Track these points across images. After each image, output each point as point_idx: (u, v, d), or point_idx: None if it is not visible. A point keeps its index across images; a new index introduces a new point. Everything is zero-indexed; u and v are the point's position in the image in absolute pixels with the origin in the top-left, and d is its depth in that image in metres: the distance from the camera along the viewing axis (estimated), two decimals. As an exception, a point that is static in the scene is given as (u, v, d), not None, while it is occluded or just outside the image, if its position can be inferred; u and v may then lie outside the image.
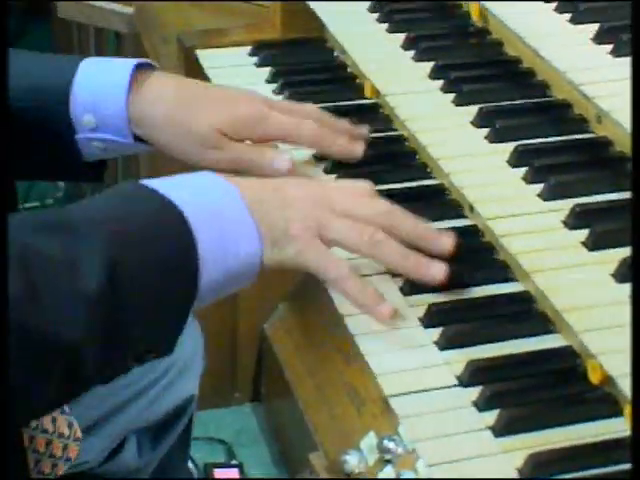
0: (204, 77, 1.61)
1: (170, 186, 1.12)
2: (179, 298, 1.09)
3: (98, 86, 1.35)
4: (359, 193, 1.21)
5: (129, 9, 2.31)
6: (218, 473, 2.44)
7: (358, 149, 1.35)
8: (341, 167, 1.38)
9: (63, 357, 1.01)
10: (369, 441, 1.08)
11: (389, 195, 1.30)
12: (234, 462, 2.51)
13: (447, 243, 1.19)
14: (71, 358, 1.01)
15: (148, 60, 1.40)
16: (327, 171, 1.39)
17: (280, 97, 1.55)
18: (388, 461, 1.06)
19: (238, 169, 1.34)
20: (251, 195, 1.15)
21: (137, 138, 1.38)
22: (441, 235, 1.19)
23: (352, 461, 1.06)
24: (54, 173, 1.48)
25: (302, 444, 1.39)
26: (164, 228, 1.09)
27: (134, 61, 1.37)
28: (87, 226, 1.06)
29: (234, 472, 2.46)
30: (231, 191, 1.15)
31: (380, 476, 1.05)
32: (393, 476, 1.04)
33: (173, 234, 1.09)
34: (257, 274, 1.15)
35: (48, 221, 1.07)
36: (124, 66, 1.36)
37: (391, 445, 1.06)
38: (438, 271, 1.16)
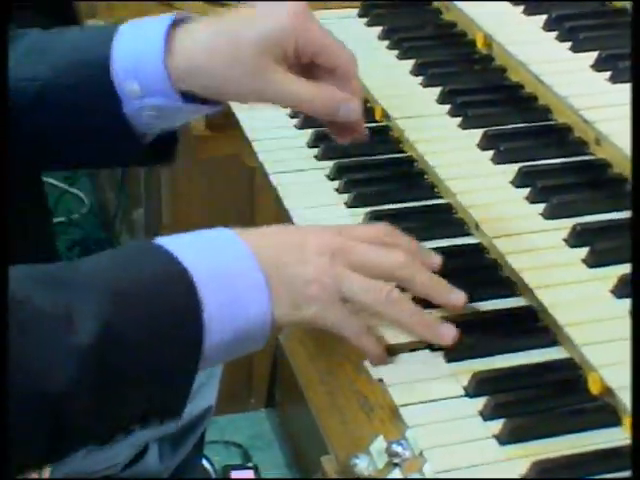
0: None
1: (182, 245, 1.06)
2: (180, 361, 1.03)
3: (135, 50, 1.24)
4: (377, 241, 1.14)
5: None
6: (234, 475, 2.44)
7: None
8: (353, 186, 1.38)
9: (49, 410, 0.96)
10: (378, 445, 1.07)
11: (399, 214, 1.30)
12: (249, 464, 2.51)
13: (459, 299, 1.15)
14: (57, 412, 0.96)
15: (184, 13, 1.28)
16: (340, 191, 1.39)
17: (295, 120, 1.55)
18: (396, 464, 1.05)
19: (296, 108, 1.28)
20: (268, 257, 1.08)
21: (187, 99, 1.26)
22: (453, 290, 1.15)
23: (362, 464, 1.06)
24: (113, 157, 1.37)
25: (314, 448, 1.39)
26: (167, 289, 1.02)
27: (170, 17, 1.26)
28: (88, 283, 1.01)
29: (249, 474, 2.46)
30: (244, 251, 1.08)
31: (388, 478, 1.04)
32: (401, 478, 1.03)
33: (175, 295, 1.02)
34: (269, 335, 1.08)
35: (51, 275, 1.02)
36: (159, 24, 1.24)
37: (399, 449, 1.05)
38: (447, 332, 1.12)
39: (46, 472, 1.32)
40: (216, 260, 1.06)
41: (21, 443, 0.96)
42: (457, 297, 1.15)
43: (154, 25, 1.25)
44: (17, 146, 1.24)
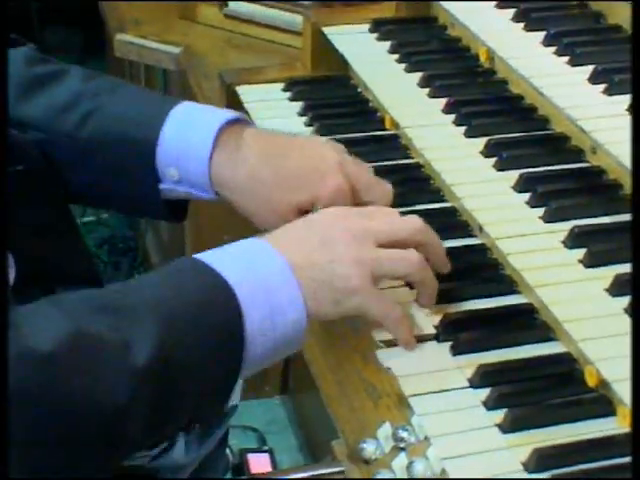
0: (243, 110, 1.60)
1: (223, 260, 1.05)
2: (224, 374, 1.03)
3: (184, 141, 1.23)
4: (388, 213, 1.15)
5: (177, 49, 2.31)
6: (251, 457, 2.43)
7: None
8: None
9: (108, 424, 0.95)
10: (385, 431, 1.07)
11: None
12: (265, 448, 2.51)
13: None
14: (115, 426, 0.96)
15: (239, 115, 1.26)
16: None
17: (310, 128, 1.55)
18: (402, 449, 1.05)
19: None
20: (297, 259, 1.06)
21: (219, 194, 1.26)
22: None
23: (369, 448, 1.06)
24: (136, 211, 1.38)
25: (325, 433, 1.38)
26: (213, 309, 1.01)
27: (224, 116, 1.24)
28: (140, 308, 0.99)
29: (265, 457, 2.45)
30: (278, 260, 1.06)
31: (394, 462, 1.04)
32: (406, 462, 1.03)
33: (222, 315, 1.01)
34: (303, 339, 1.08)
35: (106, 302, 1.00)
36: (211, 122, 1.23)
37: (404, 434, 1.05)
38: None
39: None
40: (255, 276, 1.04)
41: (83, 456, 0.96)
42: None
43: (207, 120, 1.23)
44: (50, 187, 1.24)
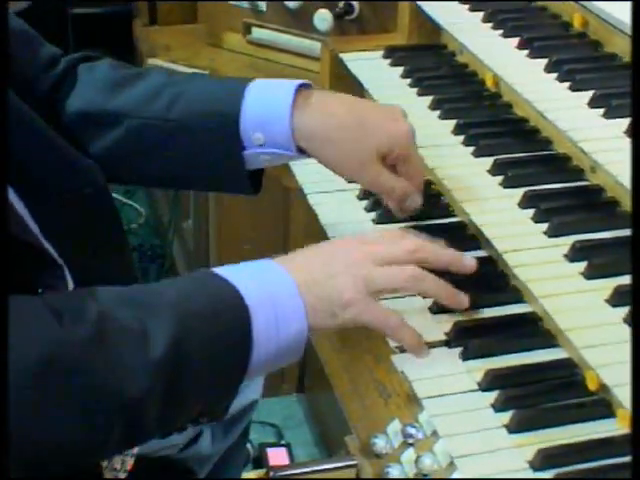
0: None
1: (238, 274, 1.06)
2: (232, 372, 1.04)
3: (265, 106, 1.26)
4: (389, 238, 1.15)
5: (205, 73, 2.31)
6: (270, 451, 2.43)
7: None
8: (379, 205, 1.37)
9: (126, 411, 0.96)
10: (394, 427, 1.07)
11: (418, 230, 1.29)
12: (283, 442, 2.50)
13: (471, 264, 1.17)
14: (133, 413, 0.97)
15: (308, 81, 1.30)
16: (367, 209, 1.39)
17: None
18: (410, 444, 1.05)
19: (378, 192, 1.32)
20: (302, 278, 1.08)
21: (300, 150, 1.28)
22: (464, 258, 1.17)
23: (380, 443, 1.06)
24: (219, 186, 1.39)
25: (339, 428, 1.38)
26: (225, 312, 1.03)
27: (296, 82, 1.28)
28: (161, 306, 1.01)
29: (283, 450, 2.45)
30: (285, 277, 1.08)
31: (403, 456, 1.04)
32: (414, 457, 1.03)
33: (233, 317, 1.03)
34: (303, 349, 1.08)
35: (132, 297, 1.02)
36: (287, 87, 1.26)
37: (413, 431, 1.06)
38: (464, 299, 1.15)
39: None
40: (264, 288, 1.06)
41: (99, 436, 0.96)
42: (470, 261, 1.17)
43: (283, 86, 1.27)
44: (108, 204, 1.25)
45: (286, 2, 2.26)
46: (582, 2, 1.58)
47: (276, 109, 1.25)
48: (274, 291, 1.06)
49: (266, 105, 1.26)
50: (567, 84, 1.46)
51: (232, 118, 1.25)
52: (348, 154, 1.26)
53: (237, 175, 1.29)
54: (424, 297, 1.19)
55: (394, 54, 1.72)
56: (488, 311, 1.18)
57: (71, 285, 1.14)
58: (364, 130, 1.25)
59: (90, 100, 1.30)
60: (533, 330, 1.15)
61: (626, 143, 1.31)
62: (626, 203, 1.28)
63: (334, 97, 1.30)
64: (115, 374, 0.95)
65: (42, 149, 1.15)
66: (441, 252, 1.16)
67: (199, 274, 1.08)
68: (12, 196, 1.05)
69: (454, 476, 1.00)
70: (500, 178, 1.36)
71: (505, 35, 1.61)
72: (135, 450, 1.30)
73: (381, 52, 1.73)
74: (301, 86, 1.27)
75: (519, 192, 1.32)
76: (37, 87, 1.28)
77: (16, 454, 0.90)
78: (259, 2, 2.32)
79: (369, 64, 1.71)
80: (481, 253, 1.28)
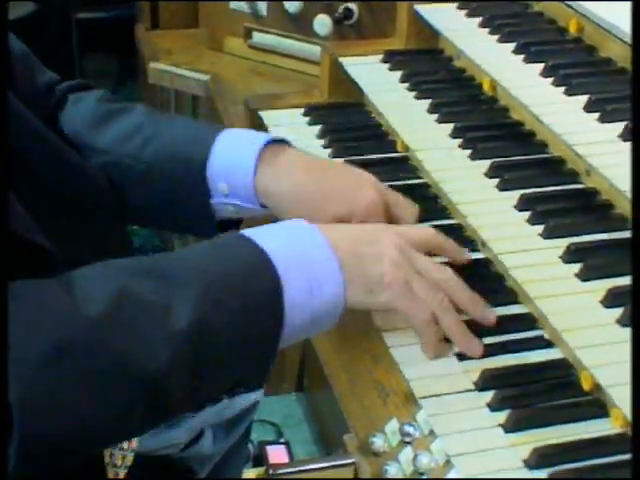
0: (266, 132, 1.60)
1: (264, 234, 1.04)
2: (264, 342, 1.00)
3: (231, 156, 1.25)
4: (431, 243, 1.16)
5: (205, 77, 2.32)
6: (269, 449, 2.43)
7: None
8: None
9: (148, 386, 0.93)
10: (392, 426, 1.07)
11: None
12: (282, 440, 2.50)
13: (490, 316, 1.14)
14: (156, 387, 0.94)
15: (282, 137, 1.29)
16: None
17: (328, 150, 1.54)
18: (408, 443, 1.05)
19: None
20: (345, 247, 1.05)
21: (264, 205, 1.27)
22: (486, 308, 1.15)
23: (378, 442, 1.06)
24: (189, 230, 1.38)
25: (337, 427, 1.38)
26: (254, 276, 0.99)
27: (268, 136, 1.27)
28: (184, 274, 0.98)
29: (282, 449, 2.45)
30: (318, 238, 1.05)
31: (401, 455, 1.04)
32: (412, 455, 1.03)
33: (262, 281, 0.99)
34: (340, 315, 1.06)
35: (147, 267, 1.00)
36: (256, 141, 1.25)
37: (410, 430, 1.05)
38: (478, 347, 1.11)
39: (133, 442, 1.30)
40: (295, 249, 1.03)
41: (122, 415, 0.94)
42: (490, 313, 1.14)
43: (253, 139, 1.26)
44: (110, 206, 1.26)
45: (286, 7, 2.26)
46: (577, 5, 1.58)
47: (241, 162, 1.24)
48: (306, 252, 1.03)
49: (233, 156, 1.25)
50: (562, 88, 1.46)
51: (199, 165, 1.25)
52: (303, 216, 1.15)
53: (206, 222, 1.28)
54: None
55: (393, 58, 1.71)
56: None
57: None
58: (323, 200, 1.22)
59: (73, 132, 1.31)
60: (528, 330, 1.15)
61: (620, 147, 1.31)
62: (620, 205, 1.28)
63: (302, 161, 1.26)
64: (134, 350, 0.92)
65: (42, 150, 1.15)
66: (469, 293, 1.14)
67: (226, 239, 1.06)
68: (12, 199, 1.04)
69: (451, 474, 1.00)
70: (496, 181, 1.36)
71: (502, 40, 1.61)
72: (134, 445, 1.30)
73: (380, 56, 1.73)
74: (273, 141, 1.26)
75: (515, 195, 1.32)
76: (35, 113, 1.27)
77: (37, 440, 0.88)
78: (259, 3, 2.31)
79: (368, 68, 1.71)
80: (477, 255, 1.28)
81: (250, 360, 1.01)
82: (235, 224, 1.32)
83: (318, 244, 1.05)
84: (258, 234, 1.04)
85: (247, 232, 1.05)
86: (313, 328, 1.05)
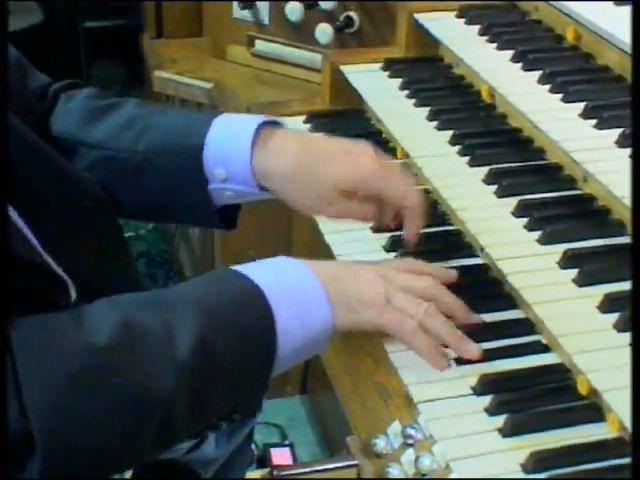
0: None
1: (253, 269, 1.06)
2: (260, 366, 1.03)
3: (227, 142, 1.22)
4: (409, 269, 1.15)
5: (209, 85, 2.32)
6: (273, 451, 2.42)
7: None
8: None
9: (156, 412, 0.96)
10: (394, 428, 1.07)
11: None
12: (286, 442, 2.49)
13: (475, 320, 1.15)
14: (163, 414, 0.96)
15: (274, 118, 1.27)
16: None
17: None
18: (410, 445, 1.05)
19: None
20: (326, 274, 1.08)
21: (263, 188, 1.25)
22: (471, 313, 1.15)
23: (380, 444, 1.06)
24: (189, 219, 1.38)
25: (340, 429, 1.38)
26: (248, 307, 1.02)
27: (260, 118, 1.25)
28: (183, 305, 1.00)
29: (286, 450, 2.44)
30: (304, 269, 1.08)
31: (403, 456, 1.04)
32: (413, 457, 1.03)
33: (255, 312, 1.02)
34: (330, 338, 1.08)
35: (150, 299, 1.03)
36: (250, 123, 1.23)
37: (412, 432, 1.06)
38: (474, 349, 1.11)
39: None
40: (284, 281, 1.05)
41: (133, 444, 0.96)
42: (476, 317, 1.15)
43: (246, 122, 1.24)
44: (105, 211, 1.25)
45: (288, 15, 2.26)
46: (574, 14, 1.58)
47: (237, 146, 1.23)
48: (295, 284, 1.05)
49: (228, 141, 1.23)
50: (560, 96, 1.45)
51: (195, 152, 1.23)
52: (305, 191, 1.21)
53: (205, 209, 1.27)
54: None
55: (392, 66, 1.71)
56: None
57: (75, 300, 1.13)
58: (317, 164, 1.21)
59: (65, 130, 1.29)
60: (525, 335, 1.15)
61: (617, 153, 1.31)
62: (617, 212, 1.28)
63: (292, 135, 1.25)
64: (142, 378, 0.94)
65: (40, 164, 1.14)
66: (452, 296, 1.14)
67: (216, 272, 1.08)
68: (13, 214, 1.04)
69: (452, 476, 1.00)
70: (494, 187, 1.36)
71: (500, 48, 1.61)
72: None
73: (380, 64, 1.73)
74: (266, 123, 1.24)
75: (513, 201, 1.32)
76: (29, 118, 1.27)
77: (58, 465, 0.91)
78: (262, 11, 2.31)
79: (368, 76, 1.71)
80: (476, 260, 1.28)
81: (246, 386, 1.03)
82: (234, 210, 1.32)
83: (305, 275, 1.07)
84: (247, 269, 1.06)
85: (237, 267, 1.07)
86: (305, 352, 1.06)
